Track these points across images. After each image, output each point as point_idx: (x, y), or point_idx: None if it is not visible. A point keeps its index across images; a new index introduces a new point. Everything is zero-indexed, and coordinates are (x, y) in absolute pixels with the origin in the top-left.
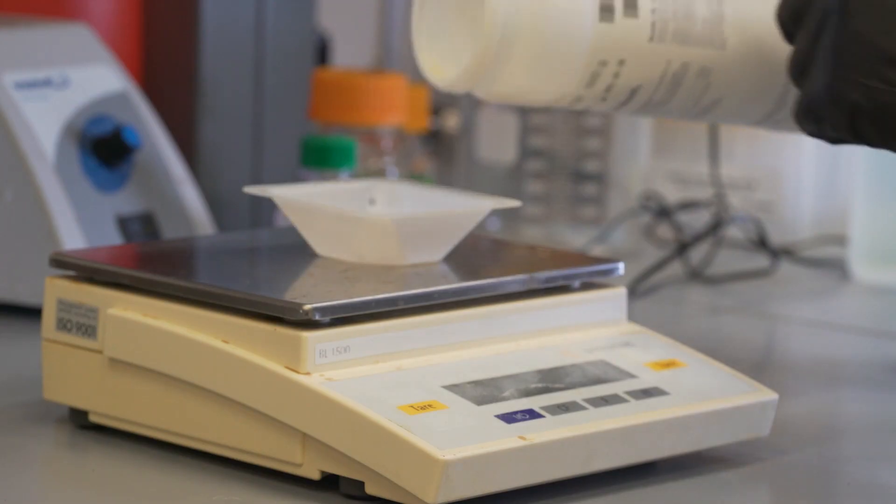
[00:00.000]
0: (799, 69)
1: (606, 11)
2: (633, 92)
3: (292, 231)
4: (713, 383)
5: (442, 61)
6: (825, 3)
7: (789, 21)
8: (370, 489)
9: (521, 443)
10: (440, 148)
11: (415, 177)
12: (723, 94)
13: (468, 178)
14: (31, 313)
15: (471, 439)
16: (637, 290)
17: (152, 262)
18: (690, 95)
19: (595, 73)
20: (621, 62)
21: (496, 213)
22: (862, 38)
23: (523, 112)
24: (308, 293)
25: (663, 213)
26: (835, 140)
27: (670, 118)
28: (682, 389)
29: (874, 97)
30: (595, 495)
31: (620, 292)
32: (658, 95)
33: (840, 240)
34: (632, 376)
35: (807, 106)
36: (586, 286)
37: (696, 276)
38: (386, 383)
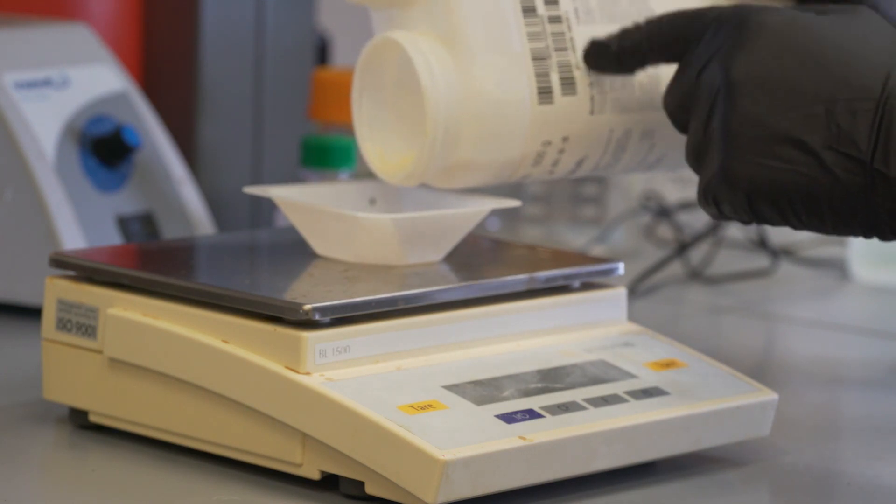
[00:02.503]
0: (694, 155)
1: (545, 94)
2: (580, 163)
3: (292, 231)
4: (713, 383)
5: (386, 151)
6: (711, 87)
7: (677, 110)
8: (370, 489)
9: (521, 443)
10: None
11: None
12: (667, 150)
13: None
14: (31, 313)
15: (471, 439)
16: (637, 290)
17: (152, 262)
18: (636, 157)
19: (541, 153)
20: (565, 139)
21: (496, 213)
22: (751, 118)
23: None
24: (308, 293)
25: (663, 213)
26: (733, 219)
27: (618, 175)
28: (682, 389)
29: (770, 176)
30: (595, 495)
31: (620, 292)
32: (604, 161)
33: (840, 240)
34: (632, 376)
35: (704, 190)
36: (586, 286)
37: (696, 276)
38: (386, 383)
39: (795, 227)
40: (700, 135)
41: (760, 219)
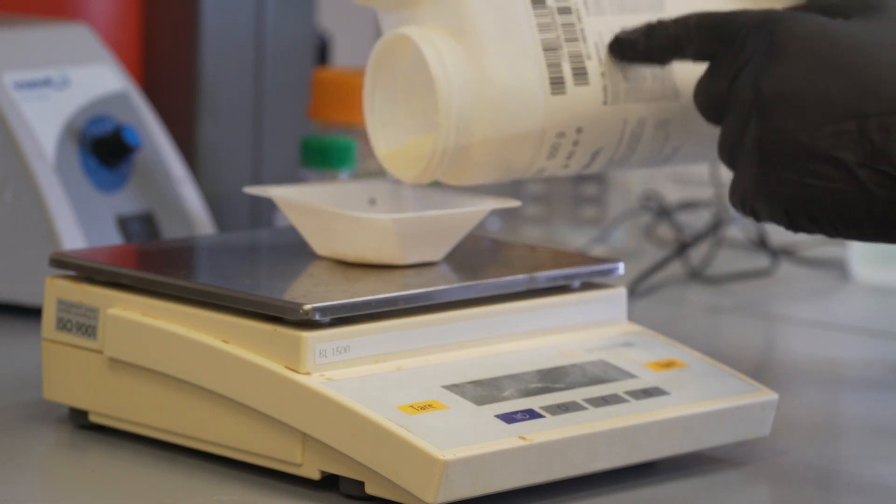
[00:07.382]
0: (728, 158)
1: (557, 84)
2: (595, 155)
3: (292, 231)
4: (713, 383)
5: (399, 151)
6: (743, 99)
7: (708, 109)
8: (370, 489)
9: (521, 443)
10: None
11: None
12: (682, 141)
13: None
14: (31, 313)
15: (471, 439)
16: (637, 290)
17: (152, 262)
18: (651, 148)
19: (555, 145)
20: (579, 130)
21: (496, 213)
22: (784, 135)
23: None
24: (308, 293)
25: (663, 213)
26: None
27: (634, 169)
28: (682, 389)
29: (807, 192)
30: (595, 495)
31: (620, 292)
32: (619, 154)
33: (840, 240)
34: (632, 376)
35: (741, 199)
36: (586, 286)
37: (696, 276)
38: (386, 383)
39: (834, 237)
40: (734, 141)
41: (799, 229)
